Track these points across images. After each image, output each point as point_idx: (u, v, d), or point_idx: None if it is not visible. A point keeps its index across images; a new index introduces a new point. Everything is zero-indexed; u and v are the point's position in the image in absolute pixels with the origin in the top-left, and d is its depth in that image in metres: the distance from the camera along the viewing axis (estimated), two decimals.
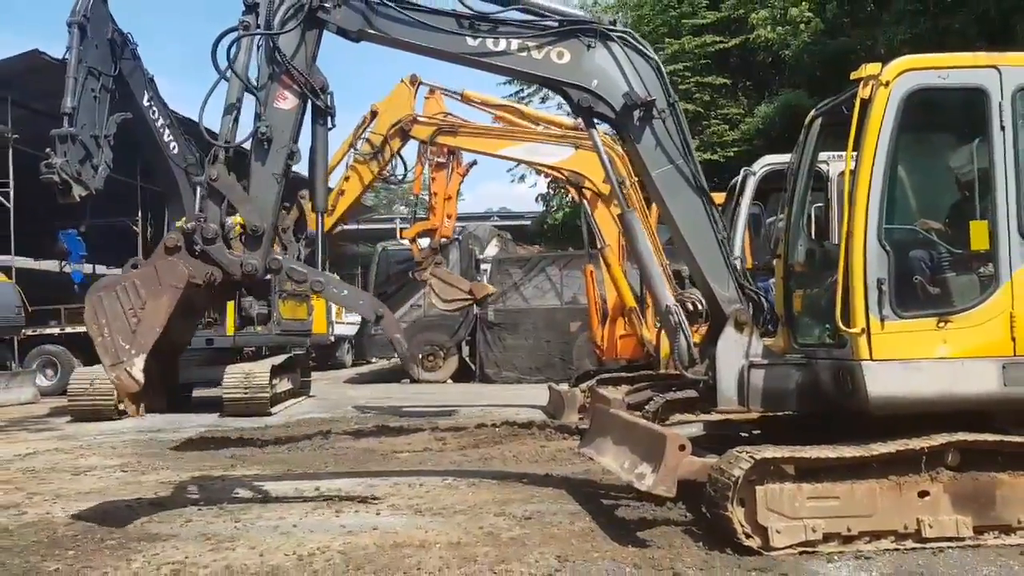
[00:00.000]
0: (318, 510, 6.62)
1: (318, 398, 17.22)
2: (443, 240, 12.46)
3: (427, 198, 12.35)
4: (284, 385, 15.70)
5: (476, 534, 5.74)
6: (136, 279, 5.70)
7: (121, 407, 14.04)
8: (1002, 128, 5.47)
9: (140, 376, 5.58)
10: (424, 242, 12.72)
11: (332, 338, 24.32)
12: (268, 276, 6.08)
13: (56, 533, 6.07)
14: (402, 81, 10.69)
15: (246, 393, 13.83)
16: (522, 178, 34.56)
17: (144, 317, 5.60)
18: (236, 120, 6.15)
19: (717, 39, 28.24)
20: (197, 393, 16.82)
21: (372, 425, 12.06)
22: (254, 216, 5.96)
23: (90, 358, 18.31)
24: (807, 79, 25.22)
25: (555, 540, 5.55)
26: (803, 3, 25.24)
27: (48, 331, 20.71)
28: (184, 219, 14.86)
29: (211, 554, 5.40)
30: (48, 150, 12.59)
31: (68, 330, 20.60)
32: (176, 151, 15.79)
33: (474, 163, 12.39)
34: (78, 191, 13.01)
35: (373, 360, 28.93)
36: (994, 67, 5.54)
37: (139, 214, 24.31)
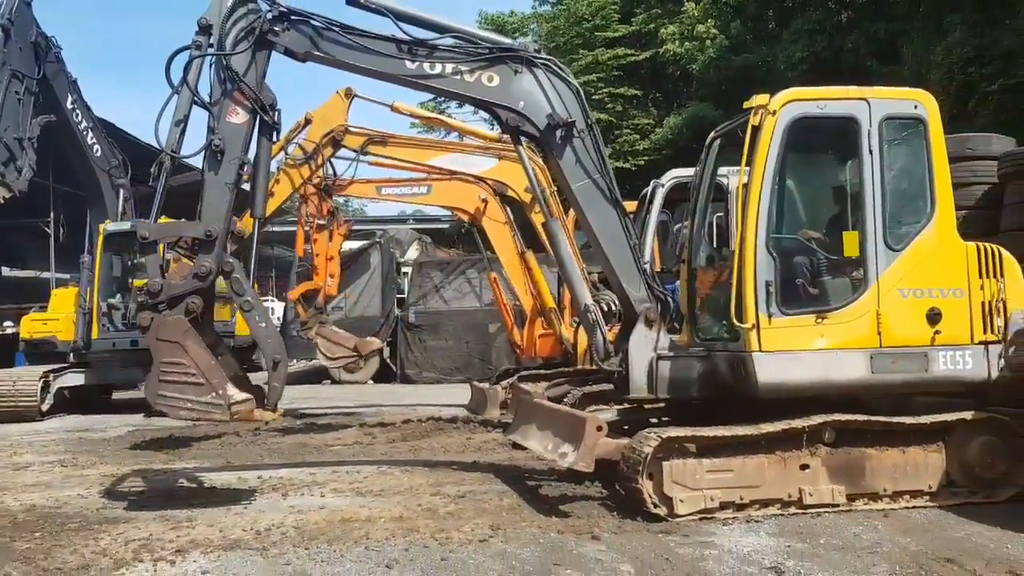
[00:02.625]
0: (265, 494, 7.13)
1: None
2: (329, 298, 12.77)
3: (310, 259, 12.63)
4: None
5: (416, 510, 6.36)
6: (162, 357, 6.11)
7: (44, 408, 14.14)
8: (871, 152, 6.38)
9: (243, 397, 6.13)
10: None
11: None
12: (221, 277, 6.50)
13: (17, 519, 6.44)
14: (337, 93, 11.16)
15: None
16: None
17: (197, 368, 6.05)
18: (183, 132, 6.60)
19: (629, 52, 29.45)
20: (117, 395, 16.93)
21: (300, 422, 12.48)
22: (206, 224, 6.39)
23: (2, 362, 18.15)
24: (713, 92, 26.57)
25: (487, 514, 6.22)
26: (709, 20, 26.60)
27: None
28: (108, 220, 15.04)
29: (172, 532, 5.88)
30: None
31: None
32: (99, 154, 15.97)
33: (352, 224, 13.00)
34: (1, 193, 13.19)
35: (292, 362, 29.04)
36: (864, 99, 6.44)
37: (51, 215, 23.95)
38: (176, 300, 6.24)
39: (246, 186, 7.02)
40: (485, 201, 12.17)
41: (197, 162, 6.76)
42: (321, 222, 12.04)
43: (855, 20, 22.91)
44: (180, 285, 6.30)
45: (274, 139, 7.01)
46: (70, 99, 15.20)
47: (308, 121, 10.96)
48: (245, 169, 6.68)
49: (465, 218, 13.20)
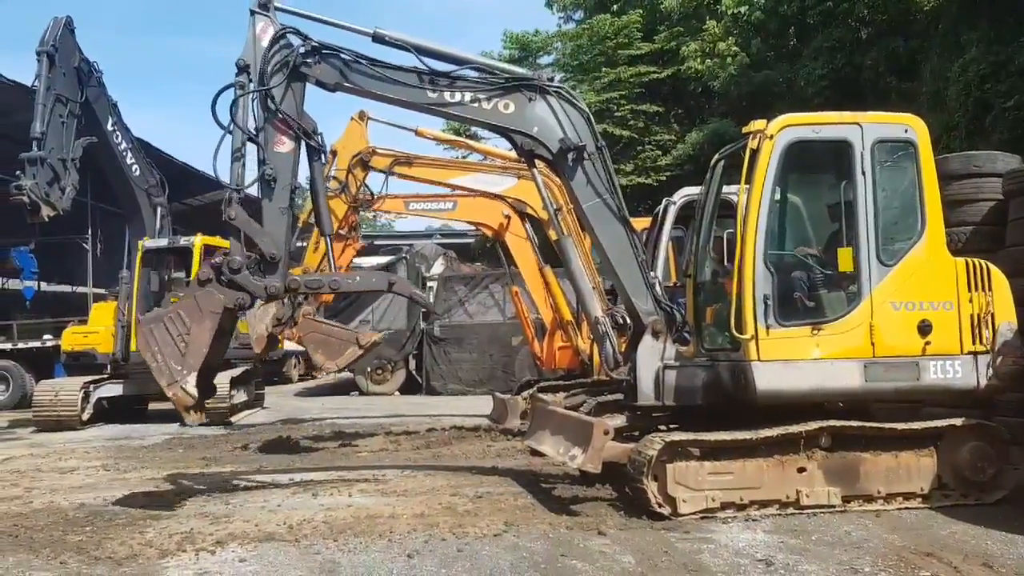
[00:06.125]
0: (297, 494, 7.63)
1: (272, 409, 17.98)
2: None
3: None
4: (241, 396, 16.46)
5: (436, 508, 6.82)
6: (180, 310, 6.70)
7: (84, 417, 14.77)
8: (863, 173, 6.77)
9: (194, 391, 6.59)
10: None
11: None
12: (289, 295, 7.04)
13: (68, 516, 6.97)
14: (352, 119, 11.71)
15: (212, 395, 14.51)
16: None
17: (191, 341, 6.59)
18: (244, 166, 7.07)
19: (651, 69, 29.85)
20: (153, 406, 17.53)
21: (329, 431, 13.00)
22: (270, 246, 6.92)
23: (41, 373, 18.84)
24: (734, 109, 26.92)
25: (502, 512, 6.66)
26: (730, 38, 26.94)
27: (0, 347, 21.00)
28: (146, 237, 15.68)
29: (212, 527, 6.38)
30: (18, 172, 13.40)
31: (20, 346, 20.91)
32: (139, 173, 16.66)
33: (368, 245, 13.32)
34: (46, 211, 13.87)
35: (319, 375, 29.66)
36: (857, 124, 6.85)
37: (89, 232, 24.75)
38: (237, 287, 6.78)
39: None
40: (508, 217, 12.63)
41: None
42: (342, 232, 12.48)
43: (875, 38, 23.17)
44: (251, 282, 6.84)
45: (323, 160, 7.50)
46: (110, 121, 15.90)
47: (334, 153, 11.48)
48: (296, 194, 7.20)
49: (489, 233, 13.64)
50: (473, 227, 17.37)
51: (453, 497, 7.26)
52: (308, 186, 7.52)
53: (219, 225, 7.20)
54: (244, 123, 6.94)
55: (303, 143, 7.13)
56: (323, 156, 7.42)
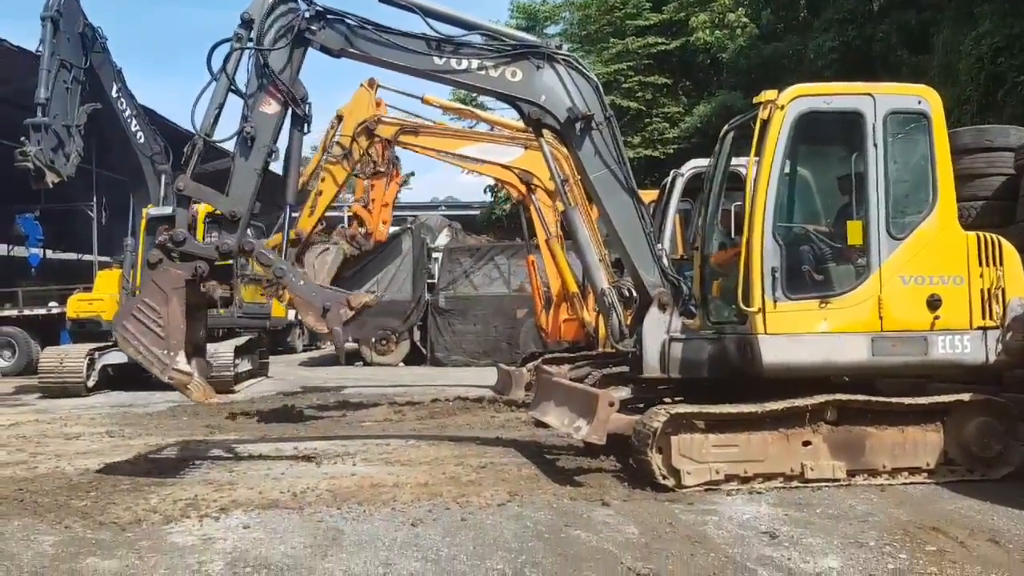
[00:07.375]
0: (300, 463, 7.63)
1: (276, 379, 18.02)
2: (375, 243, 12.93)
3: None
4: (245, 365, 16.50)
5: (440, 478, 6.82)
6: (144, 298, 6.67)
7: (90, 384, 14.81)
8: (875, 145, 6.67)
9: (186, 367, 6.57)
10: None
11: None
12: (241, 257, 6.98)
13: (72, 481, 6.98)
14: (361, 85, 11.56)
15: (210, 372, 14.54)
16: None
17: (166, 324, 6.55)
18: (217, 117, 7.03)
19: (659, 40, 29.58)
20: None
21: (333, 401, 13.02)
22: (228, 205, 6.87)
23: (47, 340, 18.88)
24: (743, 81, 26.66)
25: (506, 482, 6.65)
26: (740, 9, 26.66)
27: (5, 314, 21.01)
28: (150, 205, 15.60)
29: (216, 494, 6.38)
30: (23, 138, 13.32)
31: (26, 312, 20.93)
32: (143, 140, 16.57)
33: (412, 174, 13.34)
34: (51, 178, 13.79)
35: (323, 346, 29.73)
36: (869, 95, 6.74)
37: (94, 199, 24.70)
38: (189, 257, 6.73)
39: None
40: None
41: (228, 147, 7.22)
42: (381, 169, 12.32)
43: (886, 9, 22.89)
44: (200, 247, 6.81)
45: (305, 130, 7.41)
46: (115, 88, 15.79)
47: (340, 118, 11.35)
48: (272, 157, 7.12)
49: (515, 194, 13.43)
50: (493, 190, 17.04)
51: (457, 467, 7.26)
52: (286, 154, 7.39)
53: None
54: (233, 77, 6.85)
55: (290, 109, 7.04)
56: (307, 126, 7.29)
